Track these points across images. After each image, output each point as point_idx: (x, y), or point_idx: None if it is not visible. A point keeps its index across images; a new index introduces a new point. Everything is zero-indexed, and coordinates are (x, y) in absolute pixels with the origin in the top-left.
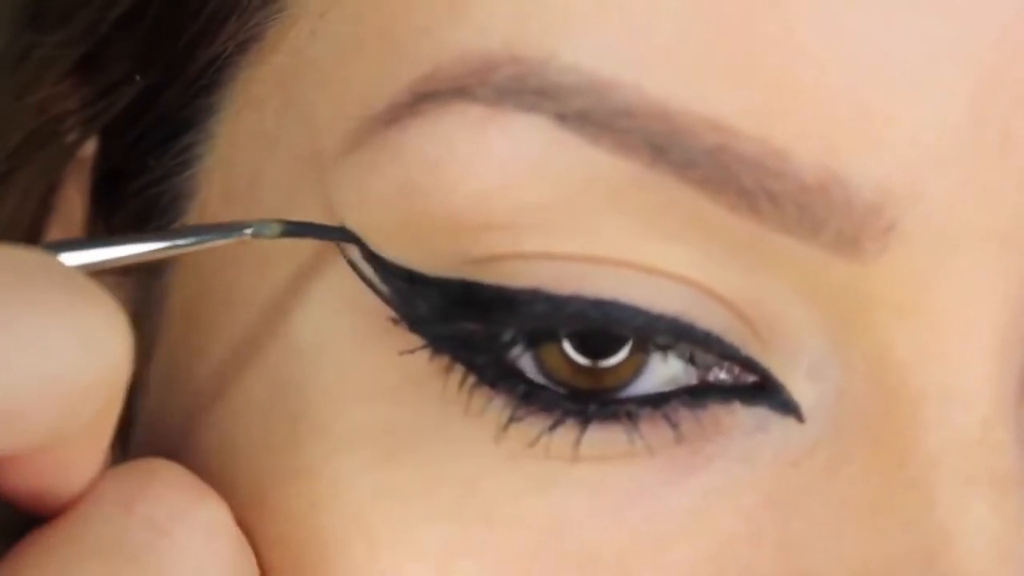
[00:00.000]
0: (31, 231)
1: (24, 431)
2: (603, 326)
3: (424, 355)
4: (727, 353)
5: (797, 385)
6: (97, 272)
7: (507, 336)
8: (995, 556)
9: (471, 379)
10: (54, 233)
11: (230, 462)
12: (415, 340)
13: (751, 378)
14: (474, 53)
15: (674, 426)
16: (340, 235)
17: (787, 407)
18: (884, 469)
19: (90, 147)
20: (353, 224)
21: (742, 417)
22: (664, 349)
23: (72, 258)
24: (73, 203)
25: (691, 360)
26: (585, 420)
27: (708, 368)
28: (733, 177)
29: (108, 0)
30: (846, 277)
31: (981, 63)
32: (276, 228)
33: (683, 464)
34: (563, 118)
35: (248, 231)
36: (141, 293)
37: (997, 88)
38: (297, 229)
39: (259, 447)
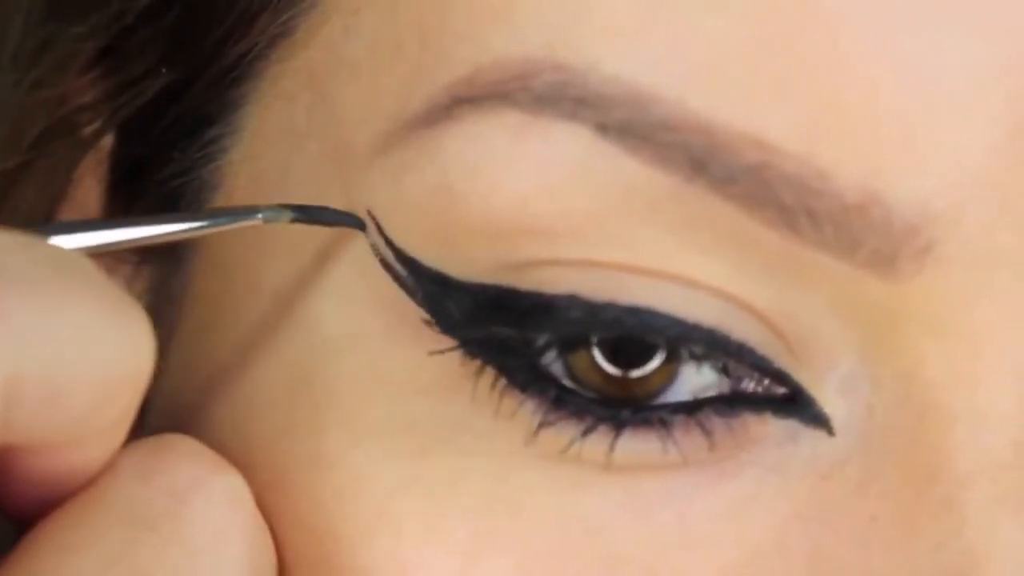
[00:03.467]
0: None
1: (59, 418)
2: (638, 333)
3: (455, 356)
4: (760, 365)
5: (828, 399)
6: (112, 263)
7: (540, 342)
8: None
9: (502, 382)
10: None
11: (249, 445)
12: (446, 342)
13: (782, 390)
14: (515, 58)
15: (708, 434)
16: (352, 221)
17: (818, 420)
18: (914, 487)
19: (108, 137)
20: (387, 225)
21: (773, 428)
22: (698, 360)
23: (83, 239)
24: (88, 190)
25: (724, 371)
26: (618, 426)
27: (740, 379)
28: (774, 195)
29: None
30: (880, 295)
31: None
32: (288, 214)
33: (716, 470)
34: (603, 128)
35: (260, 216)
36: (159, 285)
37: None
38: (309, 215)
39: (280, 433)
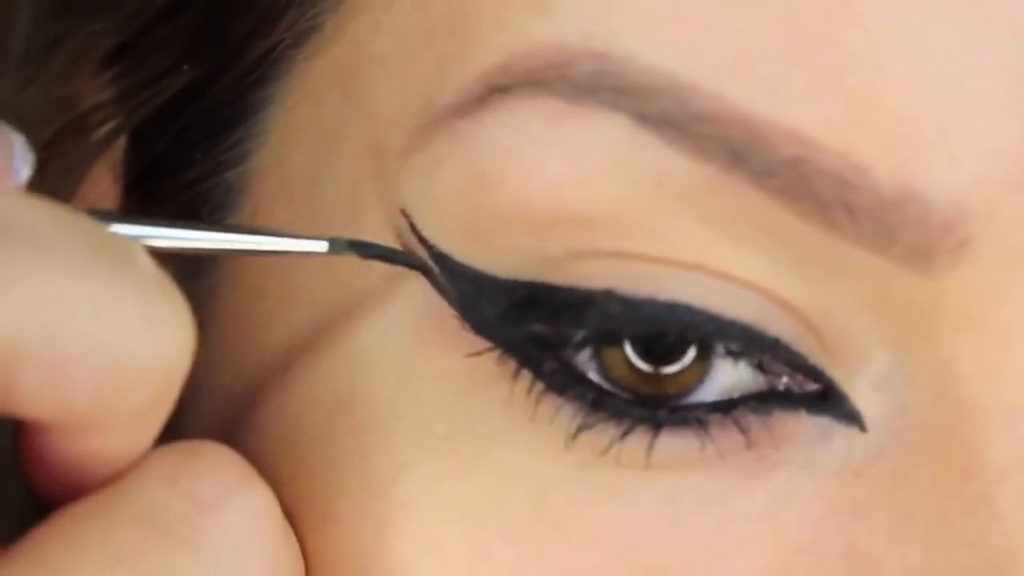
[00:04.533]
0: None
1: (69, 393)
2: (676, 330)
3: (491, 359)
4: (794, 361)
5: (861, 395)
6: None
7: (576, 338)
8: None
9: (539, 386)
10: None
11: (297, 478)
12: (481, 343)
13: (815, 387)
14: (550, 45)
15: (744, 431)
16: (417, 263)
17: (850, 417)
18: (949, 482)
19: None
20: (421, 224)
21: (807, 425)
22: (735, 356)
23: (139, 233)
24: (102, 191)
25: (760, 367)
26: (656, 426)
27: (773, 376)
28: (811, 188)
29: None
30: (914, 290)
31: None
32: (351, 249)
33: (750, 470)
34: (643, 118)
35: (323, 244)
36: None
37: None
38: (374, 252)
39: (326, 463)
